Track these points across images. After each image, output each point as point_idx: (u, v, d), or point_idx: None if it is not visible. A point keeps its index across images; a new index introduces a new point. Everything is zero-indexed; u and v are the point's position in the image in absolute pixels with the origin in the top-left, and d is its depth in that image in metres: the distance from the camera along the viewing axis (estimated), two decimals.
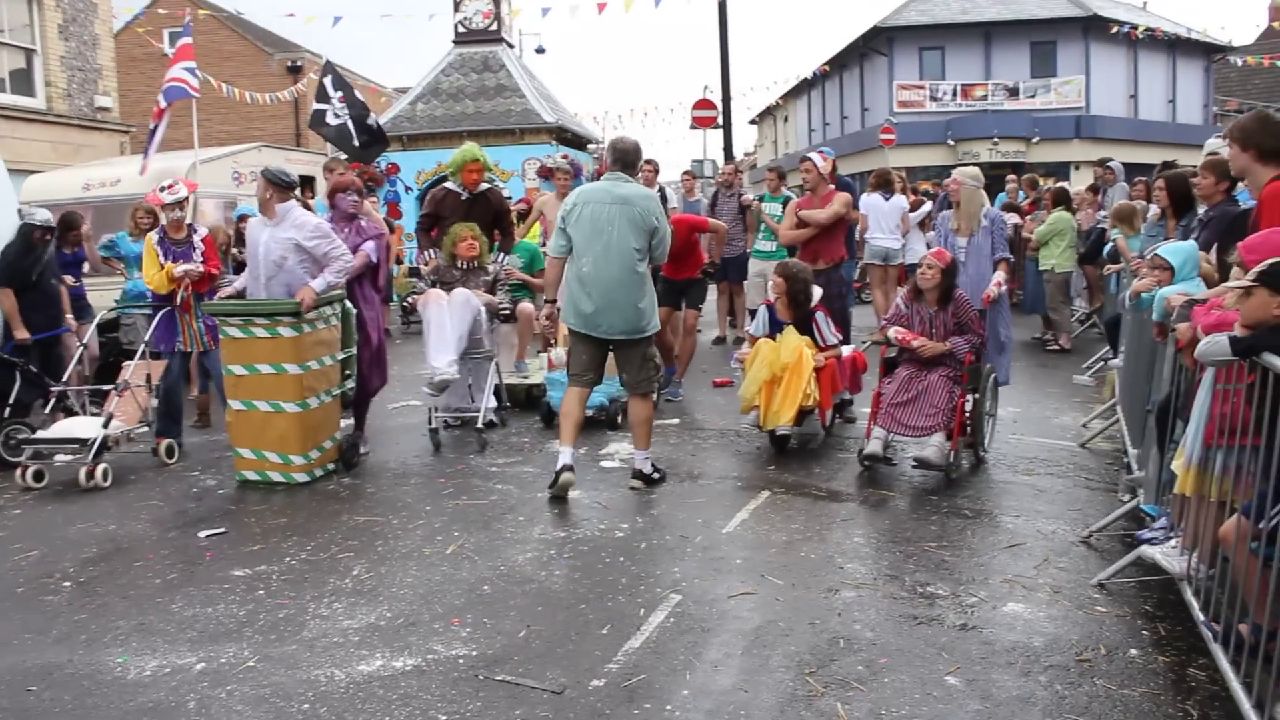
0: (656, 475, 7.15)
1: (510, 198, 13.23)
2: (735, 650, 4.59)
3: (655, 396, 7.31)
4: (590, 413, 8.77)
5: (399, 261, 17.42)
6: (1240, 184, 6.78)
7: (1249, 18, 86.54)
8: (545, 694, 4.19)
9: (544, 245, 10.87)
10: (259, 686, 4.32)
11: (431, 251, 9.25)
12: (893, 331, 7.34)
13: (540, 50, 36.44)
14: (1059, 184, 15.16)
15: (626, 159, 7.02)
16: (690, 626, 4.83)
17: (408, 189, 21.91)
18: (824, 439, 8.22)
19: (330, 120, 13.12)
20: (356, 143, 13.28)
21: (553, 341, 9.77)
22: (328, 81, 13.21)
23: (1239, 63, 38.71)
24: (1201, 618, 4.53)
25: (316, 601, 5.22)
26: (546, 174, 12.59)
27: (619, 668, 4.41)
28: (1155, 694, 4.24)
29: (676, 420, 8.89)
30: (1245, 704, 3.78)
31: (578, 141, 25.05)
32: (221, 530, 6.43)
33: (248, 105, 24.46)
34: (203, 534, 6.36)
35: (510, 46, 25.25)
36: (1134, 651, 4.63)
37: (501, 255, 9.40)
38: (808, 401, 7.59)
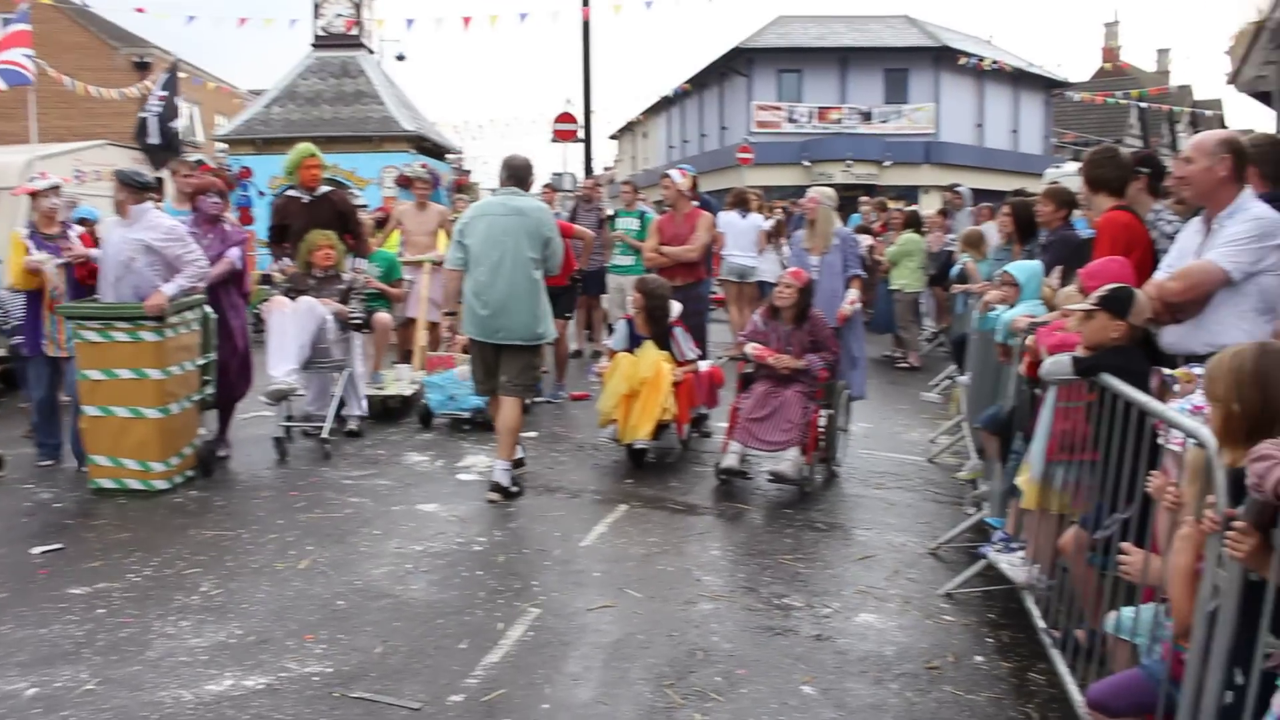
0: (515, 490, 7.13)
1: (366, 206, 13.01)
2: (595, 663, 4.59)
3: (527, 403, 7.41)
4: (467, 413, 8.99)
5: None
6: (1076, 211, 7.14)
7: (1085, 57, 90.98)
8: (403, 710, 4.13)
9: (401, 255, 10.71)
10: (98, 711, 4.12)
11: (287, 260, 9.01)
12: (749, 348, 7.45)
13: (401, 57, 36.03)
14: (909, 207, 15.64)
15: (519, 175, 7.32)
16: (549, 640, 4.82)
17: (260, 194, 21.35)
18: (681, 453, 8.29)
19: (142, 112, 12.94)
20: (151, 140, 13.07)
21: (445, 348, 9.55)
22: (161, 78, 12.99)
23: (1076, 98, 40.62)
24: (1042, 625, 4.73)
25: (162, 620, 5.01)
26: (405, 183, 12.37)
27: (478, 683, 4.37)
28: (999, 698, 4.41)
29: (535, 433, 8.86)
30: (1078, 703, 3.97)
31: (437, 151, 24.74)
32: (58, 546, 6.10)
33: (91, 100, 23.46)
34: (37, 550, 6.03)
35: (371, 53, 24.79)
36: (979, 658, 4.79)
37: (356, 261, 9.22)
38: (665, 416, 7.64)
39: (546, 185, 16.32)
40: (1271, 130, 14.28)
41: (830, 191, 8.90)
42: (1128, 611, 3.50)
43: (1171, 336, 4.46)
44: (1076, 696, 4.04)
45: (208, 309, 7.69)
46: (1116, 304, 4.17)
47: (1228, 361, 2.84)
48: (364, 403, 9.08)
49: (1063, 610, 4.49)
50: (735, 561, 6.00)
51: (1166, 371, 4.06)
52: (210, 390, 7.78)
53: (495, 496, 7.01)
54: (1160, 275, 4.57)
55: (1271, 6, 11.80)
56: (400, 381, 9.85)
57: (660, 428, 7.75)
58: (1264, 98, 16.11)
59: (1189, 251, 4.52)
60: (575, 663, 4.60)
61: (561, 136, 24.92)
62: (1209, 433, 2.90)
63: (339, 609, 5.15)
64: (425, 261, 10.59)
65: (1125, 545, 3.48)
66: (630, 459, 7.89)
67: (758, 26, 40.60)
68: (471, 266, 7.11)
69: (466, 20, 21.69)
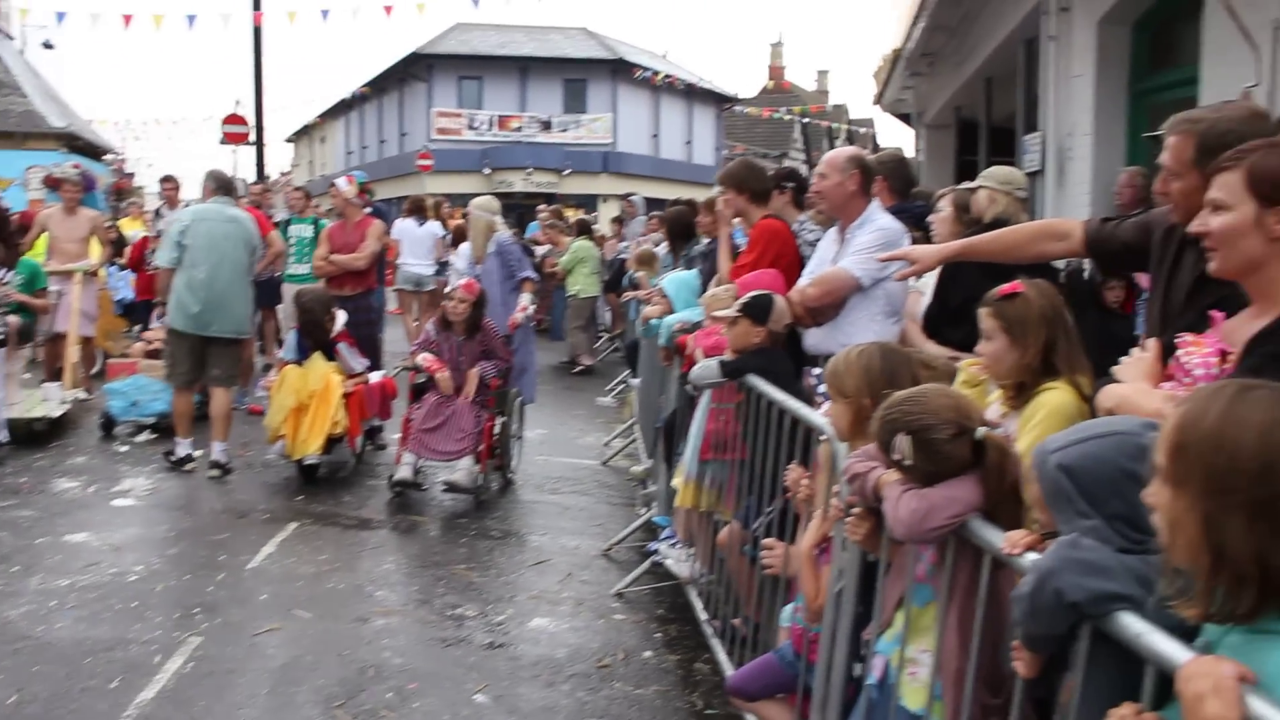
0: (232, 466, 7.68)
1: (9, 209, 11.93)
2: (260, 690, 4.42)
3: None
4: (152, 419, 8.84)
5: None
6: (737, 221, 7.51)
7: (753, 74, 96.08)
8: None
9: (47, 264, 9.87)
10: None
11: None
12: (420, 358, 7.39)
13: (48, 45, 32.87)
14: (577, 215, 15.98)
15: (228, 186, 8.36)
16: (212, 669, 4.59)
17: None
18: (354, 466, 8.09)
19: None
20: None
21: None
22: None
23: (744, 113, 42.80)
24: (704, 617, 4.96)
25: None
26: (54, 184, 11.45)
27: None
28: (666, 690, 4.60)
29: (200, 451, 8.39)
30: None
31: (92, 150, 23.08)
32: None
33: None
34: None
35: (10, 39, 22.75)
36: (648, 653, 4.97)
37: (4, 271, 8.45)
38: (336, 429, 7.45)
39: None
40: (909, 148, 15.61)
41: (485, 200, 9.06)
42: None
43: (813, 339, 4.78)
44: None
45: None
46: (756, 310, 4.44)
47: (855, 360, 3.07)
48: (4, 430, 8.32)
49: (725, 602, 4.72)
50: (409, 575, 5.94)
51: (815, 372, 4.36)
52: None
53: (215, 473, 7.60)
54: (802, 282, 4.89)
55: (906, 37, 12.91)
56: (48, 402, 9.11)
57: (332, 441, 7.55)
58: (905, 118, 17.60)
59: (826, 259, 4.87)
60: (239, 691, 4.41)
61: (232, 139, 23.77)
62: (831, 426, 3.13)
63: None
64: (76, 271, 9.84)
65: (767, 540, 3.70)
66: (301, 475, 7.62)
67: (437, 32, 40.28)
68: (188, 266, 7.67)
69: (127, 19, 20.25)
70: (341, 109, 46.51)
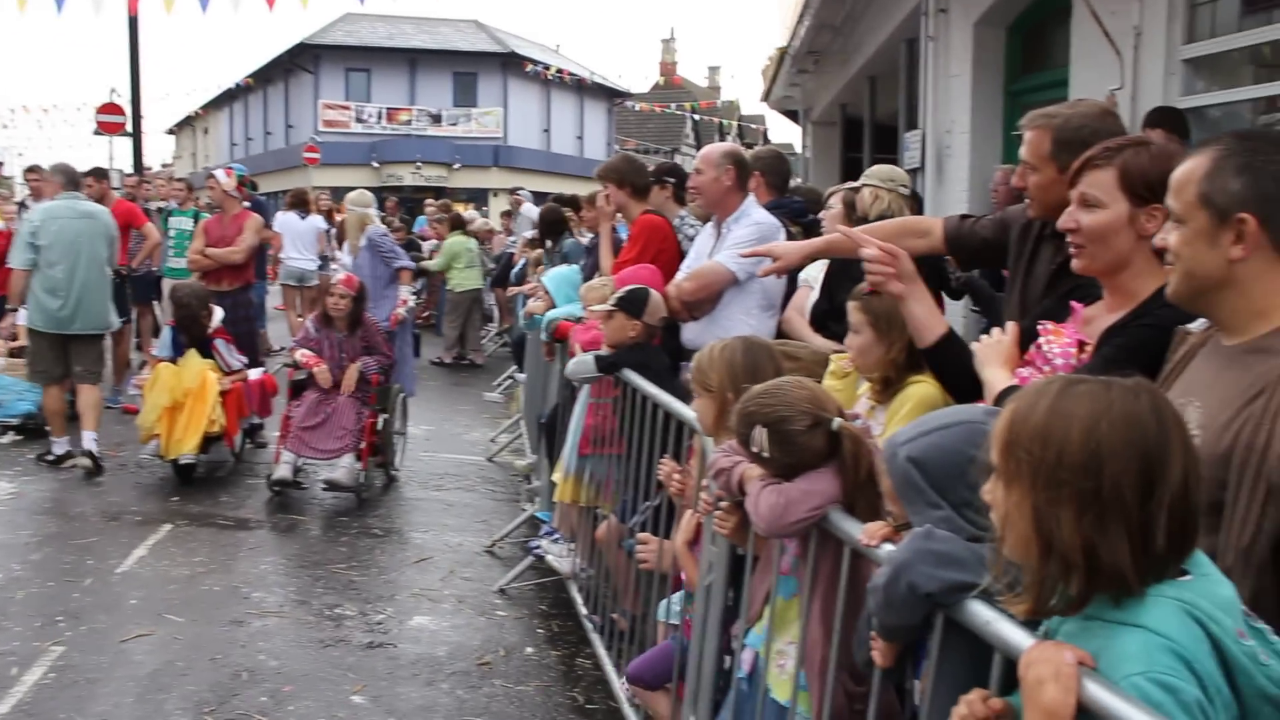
0: (103, 459, 7.59)
1: None
2: (127, 699, 4.29)
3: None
4: (16, 420, 8.67)
5: None
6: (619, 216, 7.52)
7: (644, 69, 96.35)
8: None
9: None
10: None
11: None
12: (299, 354, 7.24)
13: None
14: (453, 212, 15.81)
15: (76, 179, 8.16)
16: (74, 680, 4.43)
17: None
18: (233, 466, 7.91)
19: None
20: None
21: None
22: None
23: (636, 108, 42.89)
24: (584, 612, 4.95)
25: None
26: None
27: None
28: (547, 686, 4.59)
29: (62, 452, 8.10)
30: (615, 683, 4.21)
31: None
32: None
33: None
34: None
35: None
36: (530, 649, 4.95)
37: None
38: (213, 428, 7.25)
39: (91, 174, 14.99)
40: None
41: (359, 195, 9.02)
42: (674, 598, 3.68)
43: (690, 333, 4.80)
44: (614, 677, 4.28)
45: None
46: (632, 305, 4.45)
47: (718, 355, 3.08)
48: None
49: (606, 597, 4.72)
50: (287, 575, 5.81)
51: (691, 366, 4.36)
52: None
53: (87, 463, 7.50)
54: (679, 276, 4.91)
55: (791, 35, 13.08)
56: None
57: (209, 440, 7.36)
58: (793, 115, 17.82)
59: (703, 254, 4.89)
60: (104, 701, 4.26)
61: (106, 129, 23.00)
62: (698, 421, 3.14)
63: None
64: None
65: (642, 535, 3.71)
66: (177, 475, 7.39)
67: (325, 22, 39.54)
68: (44, 266, 7.56)
69: None
70: (225, 100, 45.45)
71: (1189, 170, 1.94)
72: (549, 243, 9.14)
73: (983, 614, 1.68)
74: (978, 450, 1.69)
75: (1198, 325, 2.09)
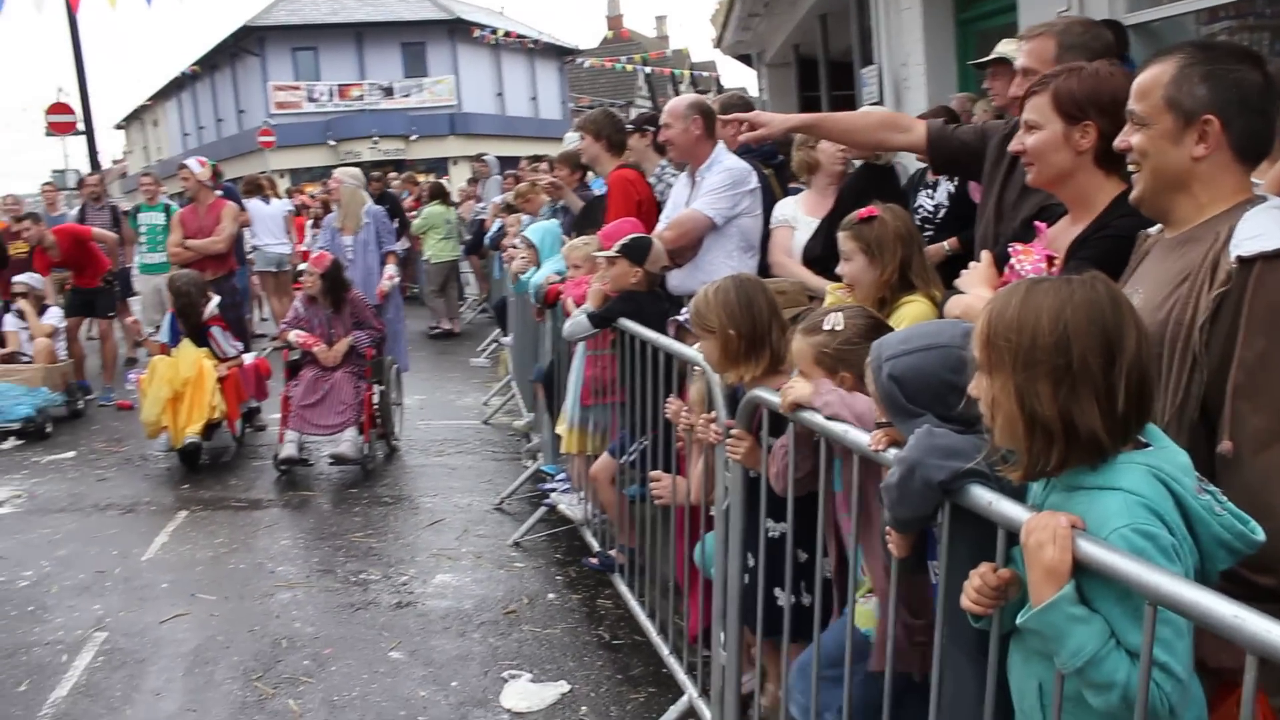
0: None
1: None
2: (176, 674, 4.50)
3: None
4: (17, 424, 8.62)
5: None
6: (590, 173, 7.68)
7: (592, 25, 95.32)
8: None
9: None
10: None
11: None
12: (293, 335, 7.40)
13: None
14: (430, 180, 15.92)
15: None
16: (123, 661, 4.64)
17: None
18: (237, 450, 8.10)
19: None
20: None
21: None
22: None
23: (586, 64, 42.72)
24: (598, 550, 5.18)
25: None
26: None
27: None
28: (573, 627, 4.83)
29: (72, 453, 8.27)
30: (642, 617, 4.46)
31: None
32: None
33: None
34: None
35: None
36: (551, 595, 5.19)
37: None
38: (214, 414, 7.43)
39: (47, 184, 14.99)
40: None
41: (355, 171, 9.01)
42: (707, 539, 3.71)
43: (675, 280, 5.00)
44: (639, 610, 4.52)
45: None
46: (635, 252, 4.63)
47: (713, 296, 3.27)
48: None
49: (617, 537, 4.96)
50: (308, 548, 6.03)
51: (684, 311, 4.57)
52: None
53: None
54: (659, 227, 5.11)
55: None
56: None
57: (211, 427, 7.54)
58: (746, 59, 17.90)
59: (681, 203, 5.09)
60: (155, 677, 4.48)
61: (58, 130, 22.82)
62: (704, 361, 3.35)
63: None
64: None
65: (654, 474, 3.93)
66: (184, 462, 7.56)
67: (266, 3, 39.11)
68: None
69: None
70: (173, 89, 44.97)
71: (1154, 76, 2.16)
72: None
73: (984, 496, 1.92)
74: (951, 374, 1.96)
75: (1155, 230, 2.33)
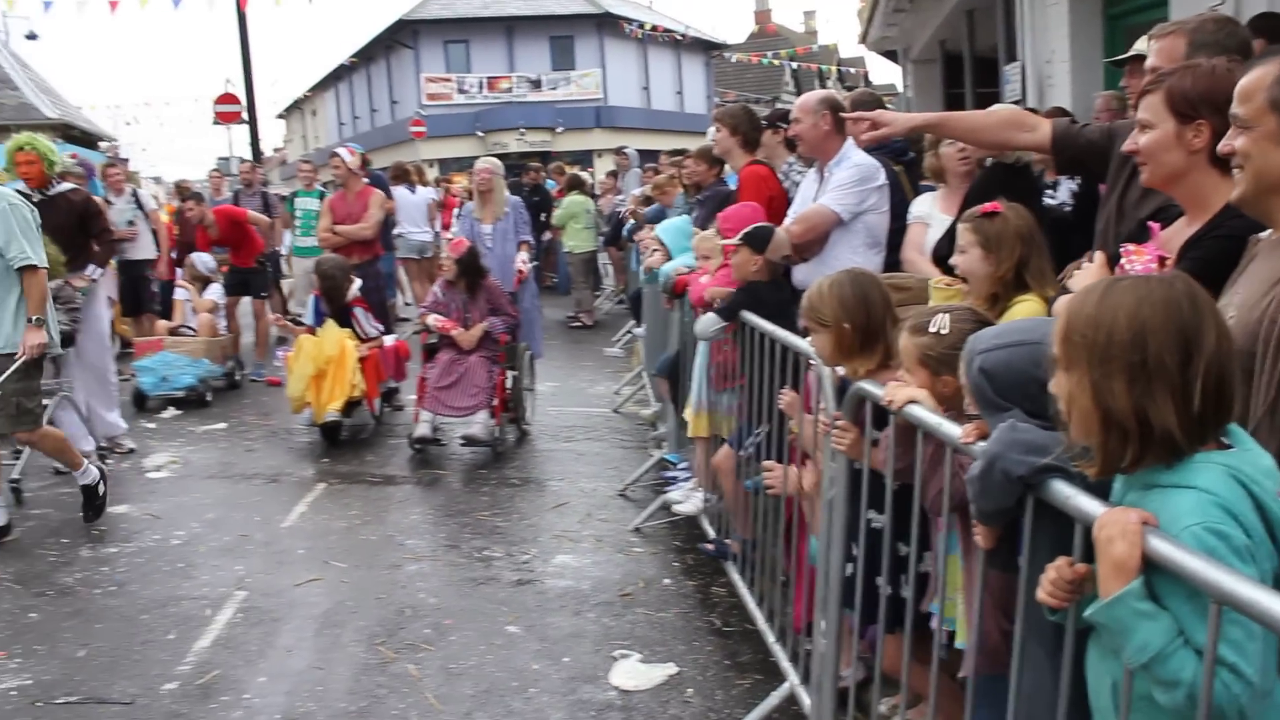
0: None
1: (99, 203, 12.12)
2: (307, 634, 4.75)
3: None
4: (182, 393, 9.14)
5: None
6: (727, 168, 7.74)
7: (739, 20, 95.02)
8: (115, 707, 4.14)
9: None
10: None
11: None
12: (431, 319, 7.67)
13: (32, 36, 32.68)
14: (572, 171, 16.17)
15: None
16: (260, 619, 4.92)
17: None
18: (374, 428, 8.43)
19: None
20: None
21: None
22: None
23: (733, 59, 42.69)
24: (713, 537, 5.27)
25: None
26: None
27: (190, 668, 4.44)
28: (686, 612, 4.92)
29: (224, 424, 8.73)
30: (752, 605, 4.53)
31: (87, 139, 23.21)
32: None
33: None
34: None
35: None
36: (667, 580, 5.29)
37: (94, 269, 7.67)
38: (355, 392, 7.75)
39: (214, 170, 15.78)
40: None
41: (497, 162, 9.21)
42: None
43: (801, 274, 5.03)
44: (749, 598, 4.60)
45: None
46: (757, 240, 4.69)
47: (828, 290, 3.32)
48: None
49: (734, 525, 5.03)
50: (436, 523, 6.27)
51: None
52: None
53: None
54: (787, 221, 5.15)
55: None
56: None
57: (351, 405, 7.86)
58: (892, 55, 17.70)
59: (809, 198, 5.12)
60: (287, 636, 4.74)
61: (224, 119, 23.91)
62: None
63: (31, 621, 5.00)
64: None
65: (767, 463, 3.99)
66: (324, 437, 7.93)
67: None
68: None
69: (113, 3, 20.27)
70: (331, 81, 46.53)
71: (1257, 78, 2.15)
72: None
73: (1063, 491, 1.94)
74: (1039, 370, 1.98)
75: (1267, 234, 2.30)
